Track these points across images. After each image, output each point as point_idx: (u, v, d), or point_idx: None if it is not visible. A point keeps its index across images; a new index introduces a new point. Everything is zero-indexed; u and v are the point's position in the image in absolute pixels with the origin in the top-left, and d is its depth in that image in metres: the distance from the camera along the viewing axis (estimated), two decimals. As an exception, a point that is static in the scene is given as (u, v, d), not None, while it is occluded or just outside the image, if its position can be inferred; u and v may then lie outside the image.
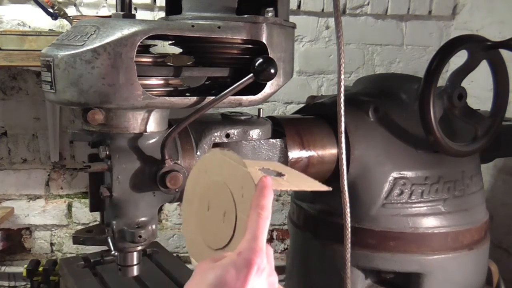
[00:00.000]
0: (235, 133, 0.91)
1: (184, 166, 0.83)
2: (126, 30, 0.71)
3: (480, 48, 1.02)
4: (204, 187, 0.61)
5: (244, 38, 0.82)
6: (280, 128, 1.01)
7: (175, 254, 1.85)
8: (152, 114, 0.82)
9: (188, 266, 1.50)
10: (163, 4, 1.72)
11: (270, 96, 0.88)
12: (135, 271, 0.87)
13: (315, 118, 1.10)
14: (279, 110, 2.03)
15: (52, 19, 1.61)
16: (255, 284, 0.49)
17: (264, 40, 0.83)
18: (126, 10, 0.82)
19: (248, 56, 0.84)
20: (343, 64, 0.89)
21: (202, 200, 0.61)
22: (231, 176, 0.57)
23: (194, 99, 0.81)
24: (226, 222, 0.56)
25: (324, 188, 0.62)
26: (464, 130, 1.10)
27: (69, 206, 1.96)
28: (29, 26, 1.78)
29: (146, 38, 0.73)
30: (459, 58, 1.04)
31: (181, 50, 0.91)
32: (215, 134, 0.89)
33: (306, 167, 1.01)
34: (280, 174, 0.62)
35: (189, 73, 0.83)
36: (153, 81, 0.80)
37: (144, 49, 0.81)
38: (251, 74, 0.79)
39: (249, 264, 0.49)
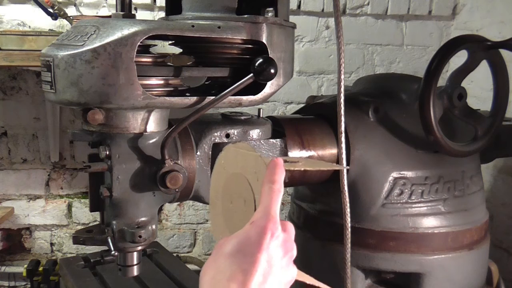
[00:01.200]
0: (235, 133, 0.91)
1: (184, 166, 0.83)
2: (126, 30, 0.71)
3: (480, 48, 1.02)
4: (224, 183, 0.63)
5: (244, 38, 0.82)
6: (280, 128, 1.01)
7: (175, 254, 1.86)
8: (152, 114, 0.82)
9: (188, 266, 1.50)
10: (163, 4, 1.72)
11: (270, 96, 0.88)
12: (135, 271, 0.87)
13: (315, 118, 1.10)
14: (279, 110, 2.03)
15: (52, 19, 1.61)
16: (270, 248, 0.51)
17: (264, 40, 0.83)
18: (126, 10, 0.82)
19: (248, 56, 0.84)
20: (343, 64, 0.89)
21: (225, 196, 0.63)
22: (245, 164, 0.59)
23: (194, 99, 0.81)
24: (247, 209, 0.59)
25: (339, 167, 0.63)
26: (464, 130, 1.10)
27: (69, 206, 1.96)
28: (29, 26, 1.78)
29: (146, 38, 0.73)
30: (459, 58, 1.04)
31: (181, 50, 0.91)
32: (215, 134, 0.89)
33: (306, 167, 1.01)
34: (296, 162, 0.63)
35: (189, 73, 0.83)
36: (153, 81, 0.80)
37: (144, 49, 0.81)
38: (251, 74, 0.79)
39: (263, 230, 0.51)
